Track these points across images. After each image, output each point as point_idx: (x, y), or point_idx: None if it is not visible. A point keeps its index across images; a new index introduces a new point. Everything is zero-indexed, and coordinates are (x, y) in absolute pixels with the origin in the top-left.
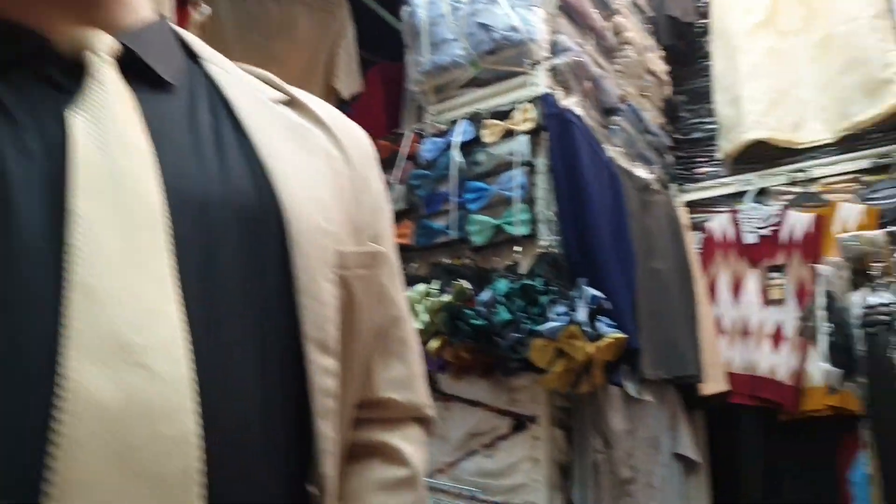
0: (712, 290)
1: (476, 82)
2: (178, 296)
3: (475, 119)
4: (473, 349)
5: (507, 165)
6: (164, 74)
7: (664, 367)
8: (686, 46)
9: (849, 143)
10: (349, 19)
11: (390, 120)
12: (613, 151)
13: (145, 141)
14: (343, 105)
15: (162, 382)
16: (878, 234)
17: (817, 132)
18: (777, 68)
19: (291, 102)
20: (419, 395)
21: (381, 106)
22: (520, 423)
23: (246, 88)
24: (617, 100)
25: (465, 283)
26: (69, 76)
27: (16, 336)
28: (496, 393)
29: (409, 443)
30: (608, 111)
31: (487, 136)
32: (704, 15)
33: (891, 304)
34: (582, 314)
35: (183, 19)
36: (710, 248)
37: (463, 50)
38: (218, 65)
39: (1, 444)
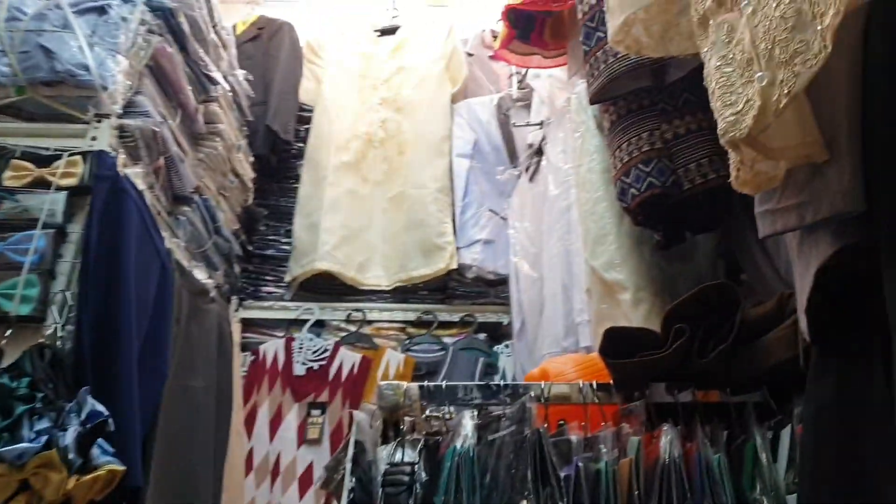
0: (251, 420)
1: (15, 111)
2: None
3: (1, 154)
4: None
5: (27, 222)
6: None
7: None
8: (278, 162)
9: (402, 294)
10: None
11: None
12: (173, 244)
13: None
14: None
15: None
16: (412, 386)
17: (378, 278)
18: (355, 209)
19: None
20: None
21: None
22: None
23: None
24: (191, 189)
25: None
26: None
27: None
28: None
29: None
30: (179, 198)
31: (11, 178)
32: (303, 140)
33: (414, 463)
34: (70, 436)
35: None
36: (258, 373)
37: (8, 67)
38: None
39: None
